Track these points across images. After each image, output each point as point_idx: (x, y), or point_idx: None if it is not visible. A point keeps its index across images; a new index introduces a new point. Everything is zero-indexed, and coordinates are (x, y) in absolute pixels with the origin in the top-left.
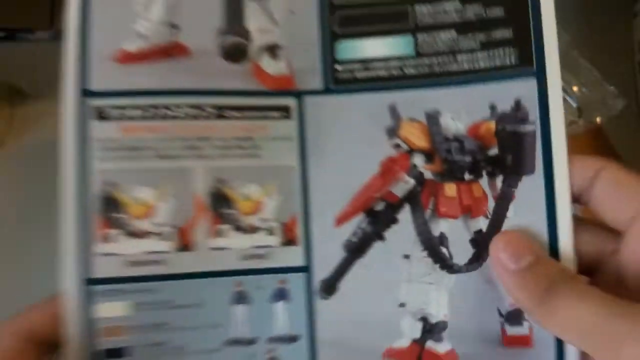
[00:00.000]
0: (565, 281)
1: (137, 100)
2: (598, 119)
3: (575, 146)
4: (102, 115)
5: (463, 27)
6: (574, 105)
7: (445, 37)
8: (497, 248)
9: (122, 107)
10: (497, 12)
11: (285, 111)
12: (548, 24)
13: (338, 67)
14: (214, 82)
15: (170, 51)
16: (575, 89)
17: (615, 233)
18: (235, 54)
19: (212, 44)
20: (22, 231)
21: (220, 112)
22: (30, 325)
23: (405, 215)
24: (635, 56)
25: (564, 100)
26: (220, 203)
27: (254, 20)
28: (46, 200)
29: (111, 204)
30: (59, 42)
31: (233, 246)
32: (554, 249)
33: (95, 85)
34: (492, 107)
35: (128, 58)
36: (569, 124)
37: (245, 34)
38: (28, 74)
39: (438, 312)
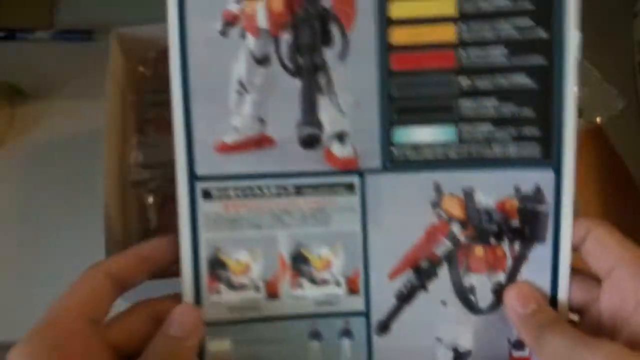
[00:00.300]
0: (555, 325)
1: (235, 183)
2: (598, 119)
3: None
4: (207, 195)
5: (499, 122)
6: None
7: (484, 128)
8: (510, 296)
9: (224, 189)
10: (527, 112)
11: (350, 188)
12: (569, 128)
13: (394, 149)
14: (294, 165)
15: (259, 142)
16: (575, 89)
17: (599, 282)
18: (311, 142)
19: (292, 134)
20: (22, 230)
21: (299, 190)
22: (113, 268)
23: (443, 270)
24: (635, 56)
25: None
26: (299, 261)
27: (325, 113)
28: (46, 199)
29: (217, 264)
30: (59, 42)
31: (309, 295)
32: (553, 299)
33: (201, 170)
34: (517, 189)
35: (226, 149)
36: None
37: (318, 125)
38: (28, 73)
39: (465, 344)
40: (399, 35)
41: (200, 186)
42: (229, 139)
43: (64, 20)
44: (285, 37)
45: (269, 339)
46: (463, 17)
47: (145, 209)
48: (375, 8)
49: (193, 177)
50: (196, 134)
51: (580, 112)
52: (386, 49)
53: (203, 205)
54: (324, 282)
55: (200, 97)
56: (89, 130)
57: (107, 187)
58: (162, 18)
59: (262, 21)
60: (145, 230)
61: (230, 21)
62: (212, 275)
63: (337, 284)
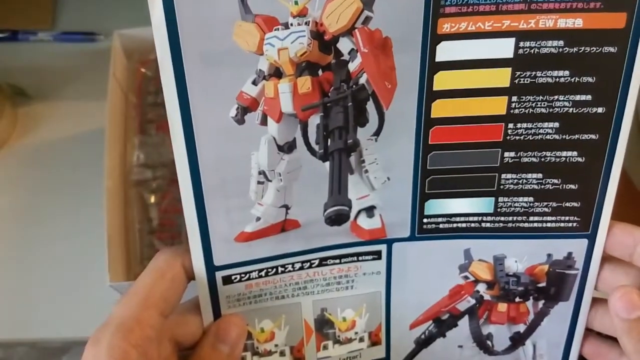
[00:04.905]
0: None
1: (256, 265)
2: None
3: None
4: (228, 281)
5: (540, 195)
6: None
7: (524, 201)
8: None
9: (244, 272)
10: (571, 185)
11: (376, 255)
12: (609, 199)
13: (425, 220)
14: (320, 242)
15: (283, 226)
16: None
17: None
18: (339, 220)
19: (318, 216)
20: (24, 230)
21: (324, 261)
22: (187, 260)
23: (463, 321)
24: None
25: None
26: (323, 325)
27: (354, 191)
28: (48, 199)
29: None
30: (61, 43)
31: (334, 354)
32: (567, 347)
33: (218, 261)
34: (549, 255)
35: (246, 238)
36: None
37: (347, 203)
38: (30, 74)
39: None
40: (442, 109)
41: (219, 274)
42: (250, 228)
43: (66, 22)
44: (313, 120)
45: None
46: (516, 90)
47: (147, 208)
48: (419, 81)
49: (211, 267)
50: (212, 229)
51: None
52: (426, 123)
53: (223, 289)
54: (349, 340)
55: (214, 193)
56: (91, 130)
57: (109, 187)
58: None
59: (287, 105)
60: (147, 230)
61: (246, 106)
62: None
63: (361, 339)
